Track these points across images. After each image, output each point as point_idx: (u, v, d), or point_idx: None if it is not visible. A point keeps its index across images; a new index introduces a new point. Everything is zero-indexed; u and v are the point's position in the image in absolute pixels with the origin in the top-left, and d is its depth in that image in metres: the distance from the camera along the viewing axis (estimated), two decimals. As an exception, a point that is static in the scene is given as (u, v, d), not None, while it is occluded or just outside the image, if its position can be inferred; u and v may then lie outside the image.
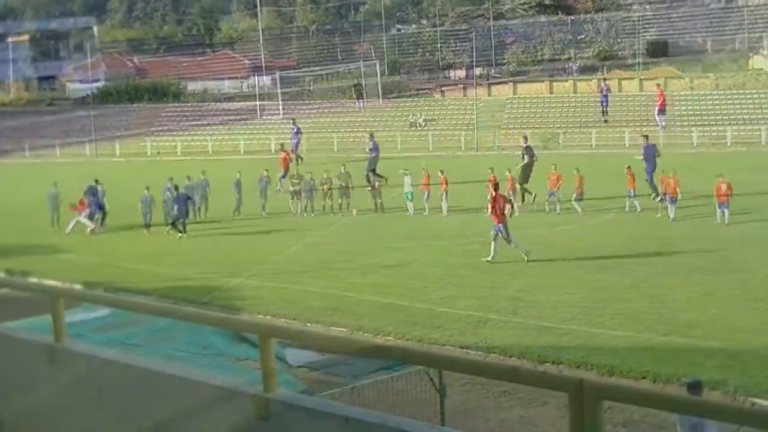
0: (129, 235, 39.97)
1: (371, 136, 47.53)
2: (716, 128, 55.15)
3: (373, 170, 45.06)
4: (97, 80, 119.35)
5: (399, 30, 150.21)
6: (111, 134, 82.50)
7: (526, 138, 40.92)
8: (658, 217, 35.40)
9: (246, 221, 40.94)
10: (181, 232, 38.84)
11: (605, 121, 59.09)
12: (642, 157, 38.98)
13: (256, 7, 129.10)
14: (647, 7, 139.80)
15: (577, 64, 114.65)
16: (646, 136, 40.09)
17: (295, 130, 55.16)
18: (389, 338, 24.01)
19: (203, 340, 22.03)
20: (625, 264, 28.93)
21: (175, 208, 39.17)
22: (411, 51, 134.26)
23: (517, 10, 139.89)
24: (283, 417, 5.46)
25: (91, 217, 41.02)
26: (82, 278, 31.84)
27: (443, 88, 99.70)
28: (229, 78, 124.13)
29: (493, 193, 31.20)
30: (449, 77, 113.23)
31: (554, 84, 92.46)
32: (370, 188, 42.67)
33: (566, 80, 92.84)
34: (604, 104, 61.98)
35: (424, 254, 31.40)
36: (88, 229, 40.72)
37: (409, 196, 40.42)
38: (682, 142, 52.17)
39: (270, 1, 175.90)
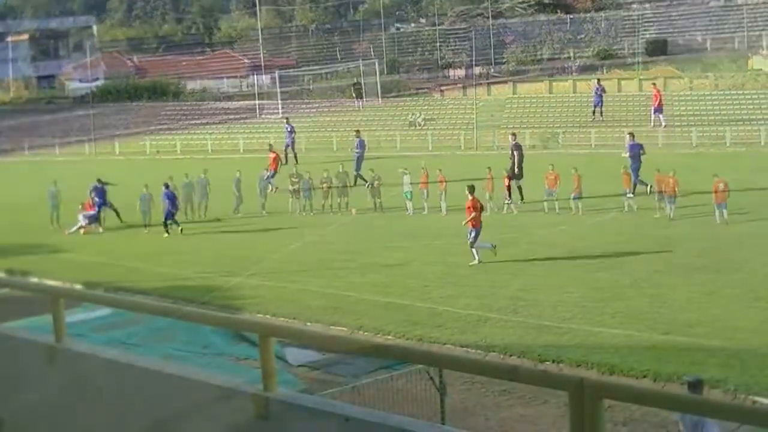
0: (129, 234, 39.94)
1: (357, 133, 47.41)
2: (715, 128, 55.10)
3: (359, 173, 45.09)
4: (97, 79, 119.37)
5: (398, 29, 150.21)
6: (110, 133, 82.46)
7: (514, 135, 40.91)
8: (657, 217, 35.39)
9: (245, 220, 40.91)
10: (166, 230, 38.83)
11: (602, 121, 58.84)
12: (628, 154, 39.01)
13: (256, 6, 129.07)
14: (647, 6, 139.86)
15: (577, 64, 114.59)
16: (632, 134, 40.13)
17: (289, 129, 55.03)
18: (389, 337, 24.03)
19: (203, 340, 22.05)
20: (624, 263, 28.93)
21: (164, 205, 39.20)
22: (410, 50, 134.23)
23: (517, 8, 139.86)
24: (283, 416, 5.46)
25: (95, 218, 40.93)
26: (82, 278, 31.85)
27: (442, 88, 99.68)
28: (229, 77, 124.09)
29: (470, 197, 31.18)
30: (448, 76, 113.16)
31: (554, 83, 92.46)
32: (369, 186, 42.60)
33: (566, 80, 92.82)
34: (599, 105, 61.57)
35: (423, 253, 31.40)
36: (82, 230, 40.62)
37: (409, 196, 40.40)
38: (681, 142, 52.16)
39: (269, 0, 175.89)
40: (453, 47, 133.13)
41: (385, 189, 42.41)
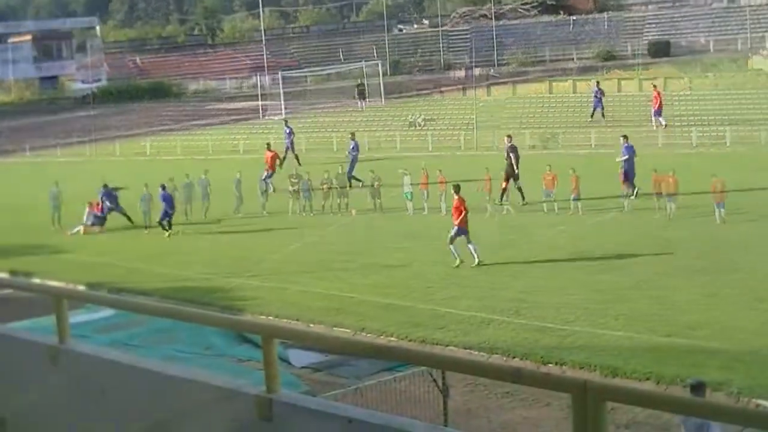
0: (130, 235, 39.94)
1: (353, 136, 47.40)
2: (716, 128, 55.07)
3: (352, 175, 45.10)
4: (99, 80, 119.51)
5: (401, 30, 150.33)
6: (112, 134, 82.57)
7: (510, 137, 40.89)
8: (657, 218, 35.33)
9: (246, 220, 40.84)
10: (164, 230, 38.92)
11: (605, 122, 58.60)
12: (625, 157, 38.98)
13: (259, 7, 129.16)
14: (649, 7, 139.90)
15: (578, 65, 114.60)
16: (626, 136, 40.13)
17: (288, 131, 54.87)
18: (392, 339, 24.04)
19: (206, 341, 22.08)
20: (626, 265, 28.91)
21: (161, 206, 39.25)
22: (413, 51, 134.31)
23: (519, 10, 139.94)
24: (286, 418, 5.46)
25: (101, 220, 40.90)
26: (85, 278, 31.87)
27: (444, 89, 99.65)
28: (231, 78, 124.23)
29: (456, 197, 31.18)
30: (451, 77, 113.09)
31: (554, 84, 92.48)
32: (369, 186, 42.60)
33: (566, 80, 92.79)
34: (598, 107, 61.11)
35: (424, 254, 31.38)
36: (82, 230, 40.63)
37: (409, 196, 40.41)
38: (682, 142, 52.15)
39: (272, 1, 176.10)
40: (455, 48, 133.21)
41: (384, 189, 42.45)
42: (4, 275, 31.23)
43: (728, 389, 19.09)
